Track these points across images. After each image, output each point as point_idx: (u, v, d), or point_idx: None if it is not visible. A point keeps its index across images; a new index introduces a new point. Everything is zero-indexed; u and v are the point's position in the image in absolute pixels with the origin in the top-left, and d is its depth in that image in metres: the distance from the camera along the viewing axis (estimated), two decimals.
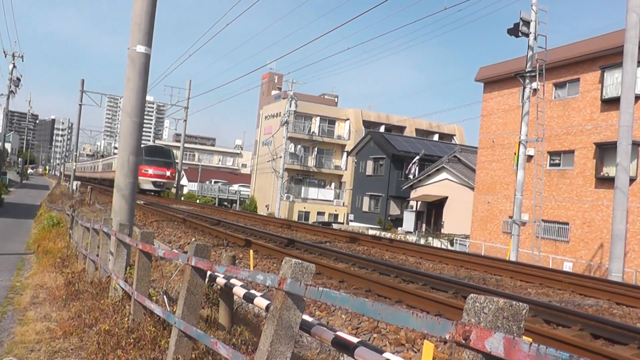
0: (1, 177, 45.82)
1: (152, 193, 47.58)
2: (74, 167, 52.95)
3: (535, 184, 23.52)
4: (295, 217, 53.00)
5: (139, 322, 6.43)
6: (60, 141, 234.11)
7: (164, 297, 7.24)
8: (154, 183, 46.71)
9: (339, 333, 3.68)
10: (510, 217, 24.36)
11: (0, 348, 6.41)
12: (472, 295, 2.16)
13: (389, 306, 2.59)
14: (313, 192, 59.31)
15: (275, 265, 10.96)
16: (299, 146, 60.97)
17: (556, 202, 29.50)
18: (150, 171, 46.12)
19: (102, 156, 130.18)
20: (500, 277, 11.46)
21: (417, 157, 47.72)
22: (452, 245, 35.35)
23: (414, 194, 45.24)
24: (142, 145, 48.02)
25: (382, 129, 62.68)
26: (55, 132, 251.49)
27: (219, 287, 6.56)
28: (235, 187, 72.78)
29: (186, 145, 64.42)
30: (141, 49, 9.70)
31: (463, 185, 40.06)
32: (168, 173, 47.71)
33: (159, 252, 6.31)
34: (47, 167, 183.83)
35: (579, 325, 6.69)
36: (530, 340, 1.97)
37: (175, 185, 53.37)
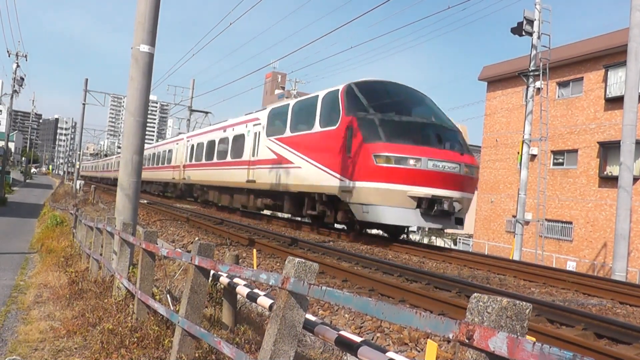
0: (5, 176, 45.89)
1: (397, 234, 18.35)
2: (78, 167, 52.90)
3: (538, 183, 23.48)
4: None
5: (143, 321, 6.45)
6: (64, 140, 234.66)
7: (168, 296, 7.27)
8: (436, 205, 14.54)
9: (342, 332, 3.68)
10: (514, 217, 24.32)
11: (4, 347, 6.43)
12: (475, 294, 2.16)
13: (393, 305, 2.59)
14: None
15: (278, 264, 10.96)
16: None
17: (560, 202, 29.45)
18: (422, 163, 14.42)
19: (106, 155, 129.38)
20: (503, 276, 11.44)
21: None
22: (455, 244, 35.33)
23: None
24: (365, 81, 16.60)
25: None
26: (58, 131, 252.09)
27: (222, 286, 6.57)
28: None
29: None
30: (145, 48, 9.71)
31: None
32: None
33: (162, 252, 6.32)
34: (51, 166, 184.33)
35: (582, 324, 6.67)
36: (534, 339, 1.97)
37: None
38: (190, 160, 30.17)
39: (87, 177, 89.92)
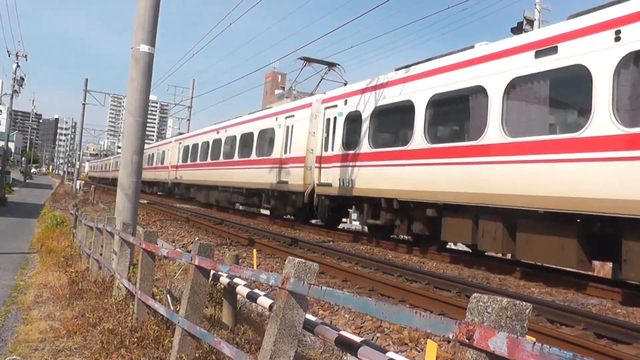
0: (5, 176, 45.89)
1: None
2: (78, 167, 52.86)
3: None
4: None
5: (143, 321, 6.45)
6: (64, 140, 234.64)
7: (168, 296, 7.27)
8: None
9: (342, 332, 3.68)
10: None
11: (4, 347, 6.43)
12: (475, 294, 2.16)
13: (393, 305, 2.59)
14: None
15: (278, 264, 10.97)
16: None
17: None
18: None
19: (106, 155, 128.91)
20: (503, 276, 11.44)
21: None
22: (455, 244, 35.21)
23: None
24: None
25: None
26: (58, 131, 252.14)
27: (222, 286, 6.58)
28: None
29: None
30: (145, 48, 9.71)
31: None
32: None
33: (162, 252, 6.32)
34: (51, 167, 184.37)
35: (582, 324, 6.68)
36: (534, 339, 1.97)
37: None
38: (352, 147, 15.84)
39: (95, 179, 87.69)
